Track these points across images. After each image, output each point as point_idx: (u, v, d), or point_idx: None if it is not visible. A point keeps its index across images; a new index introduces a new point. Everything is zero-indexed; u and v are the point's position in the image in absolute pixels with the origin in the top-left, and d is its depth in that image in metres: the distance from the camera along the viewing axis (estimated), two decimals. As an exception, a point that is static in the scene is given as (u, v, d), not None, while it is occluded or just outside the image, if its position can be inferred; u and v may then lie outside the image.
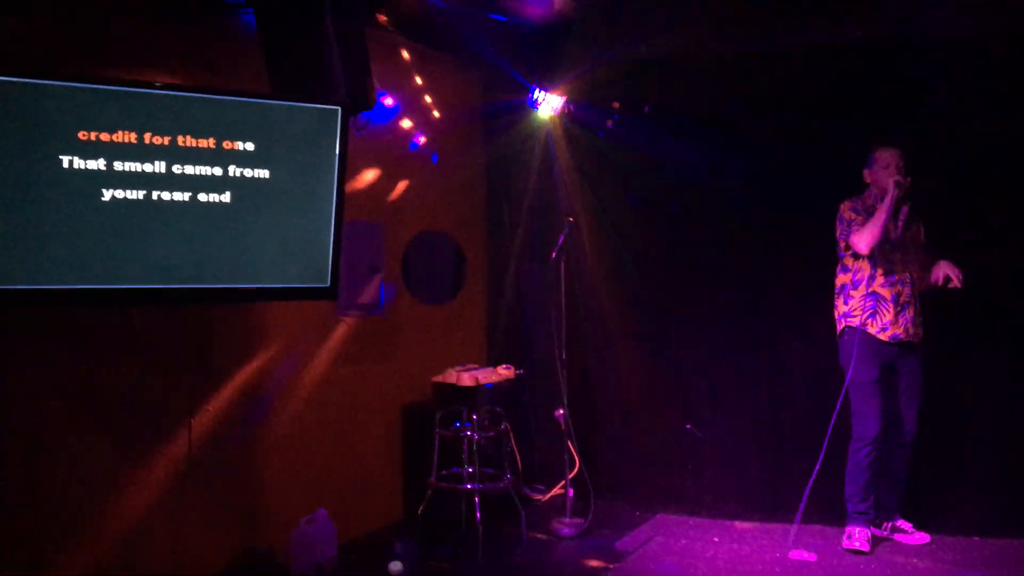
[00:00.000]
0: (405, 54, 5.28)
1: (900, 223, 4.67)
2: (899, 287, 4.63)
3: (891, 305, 4.62)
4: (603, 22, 5.16)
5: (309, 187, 3.87)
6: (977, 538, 4.72)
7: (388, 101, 5.01)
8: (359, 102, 4.08)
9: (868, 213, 4.64)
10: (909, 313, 4.64)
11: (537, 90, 5.58)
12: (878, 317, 4.63)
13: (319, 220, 3.91)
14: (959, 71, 4.79)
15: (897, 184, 4.55)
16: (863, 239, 4.60)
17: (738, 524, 5.15)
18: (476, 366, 5.19)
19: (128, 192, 3.45)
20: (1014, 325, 4.93)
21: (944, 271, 4.60)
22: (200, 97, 3.60)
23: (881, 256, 4.64)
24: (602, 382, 5.88)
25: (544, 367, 5.70)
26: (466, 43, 5.30)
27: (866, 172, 4.77)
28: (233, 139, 3.66)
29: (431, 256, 5.70)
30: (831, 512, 4.84)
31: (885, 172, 4.66)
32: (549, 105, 5.67)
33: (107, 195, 3.42)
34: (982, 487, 4.94)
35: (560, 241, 5.23)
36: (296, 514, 4.43)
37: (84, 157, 3.36)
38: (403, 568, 4.23)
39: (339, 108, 3.88)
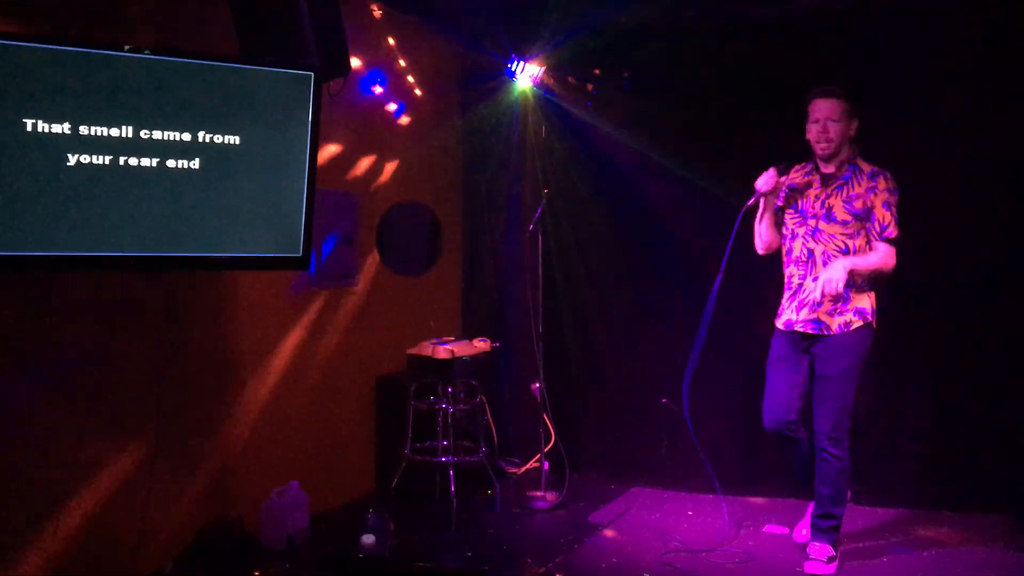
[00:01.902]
0: (381, 20, 5.19)
1: (815, 197, 4.09)
2: (794, 268, 4.14)
3: (786, 288, 4.20)
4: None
5: (281, 155, 3.80)
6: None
7: (363, 67, 4.92)
8: (333, 68, 4.00)
9: (806, 186, 4.13)
10: (801, 297, 4.09)
11: (515, 60, 5.52)
12: (781, 303, 4.22)
13: (291, 188, 3.84)
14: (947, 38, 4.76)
15: (761, 195, 4.07)
16: (756, 240, 4.28)
17: (712, 498, 5.15)
18: (451, 338, 5.15)
19: (94, 157, 3.37)
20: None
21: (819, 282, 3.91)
22: (169, 60, 3.51)
23: (787, 229, 4.21)
24: (578, 356, 5.86)
25: (520, 340, 5.67)
26: (444, 10, 5.23)
27: (806, 127, 4.11)
28: (202, 104, 3.58)
29: (407, 227, 5.65)
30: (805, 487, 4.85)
31: (808, 132, 4.07)
32: (527, 75, 5.61)
33: (72, 160, 3.33)
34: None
35: (537, 213, 5.20)
36: (268, 485, 4.40)
37: (48, 121, 3.26)
38: (375, 540, 4.21)
39: (311, 74, 3.80)
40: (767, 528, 4.60)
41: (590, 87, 5.70)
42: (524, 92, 5.80)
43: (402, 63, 5.33)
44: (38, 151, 3.26)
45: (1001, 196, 4.80)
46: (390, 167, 5.44)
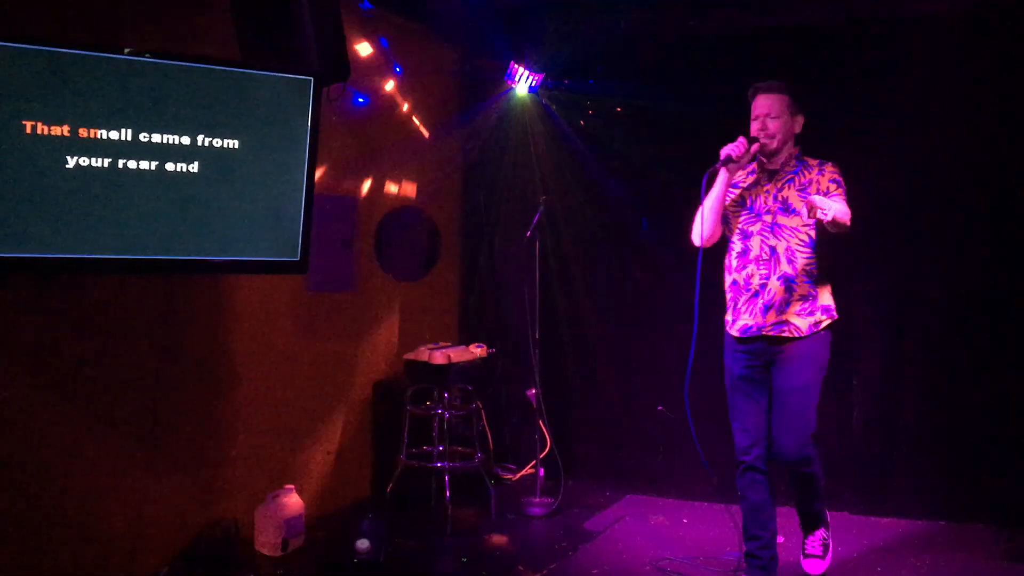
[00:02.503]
0: (383, 26, 5.20)
1: (767, 192, 3.83)
2: (754, 267, 3.82)
3: (740, 292, 3.87)
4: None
5: (280, 159, 3.80)
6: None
7: (362, 73, 4.93)
8: (333, 72, 4.00)
9: (750, 184, 3.89)
10: (766, 298, 3.78)
11: (515, 65, 5.53)
12: (733, 308, 3.90)
13: (290, 193, 3.84)
14: (944, 49, 4.79)
15: (726, 162, 3.73)
16: (693, 230, 3.86)
17: (707, 506, 5.16)
18: (448, 344, 5.15)
19: (93, 160, 3.37)
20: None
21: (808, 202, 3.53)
22: (169, 64, 3.51)
23: (737, 230, 3.91)
24: (574, 362, 5.86)
25: (517, 346, 5.68)
26: (444, 16, 5.24)
27: (751, 124, 3.88)
28: (202, 108, 3.58)
29: (405, 232, 5.64)
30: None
31: (751, 129, 3.82)
32: (526, 82, 5.62)
33: (71, 162, 3.33)
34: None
35: (535, 220, 5.20)
36: (263, 489, 4.40)
37: (48, 123, 3.27)
38: (370, 545, 4.20)
39: (311, 78, 3.80)
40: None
41: (587, 113, 5.70)
42: (523, 99, 5.81)
43: (402, 69, 5.33)
44: (37, 153, 3.26)
45: (1002, 201, 4.81)
46: (388, 172, 5.44)
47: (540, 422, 5.31)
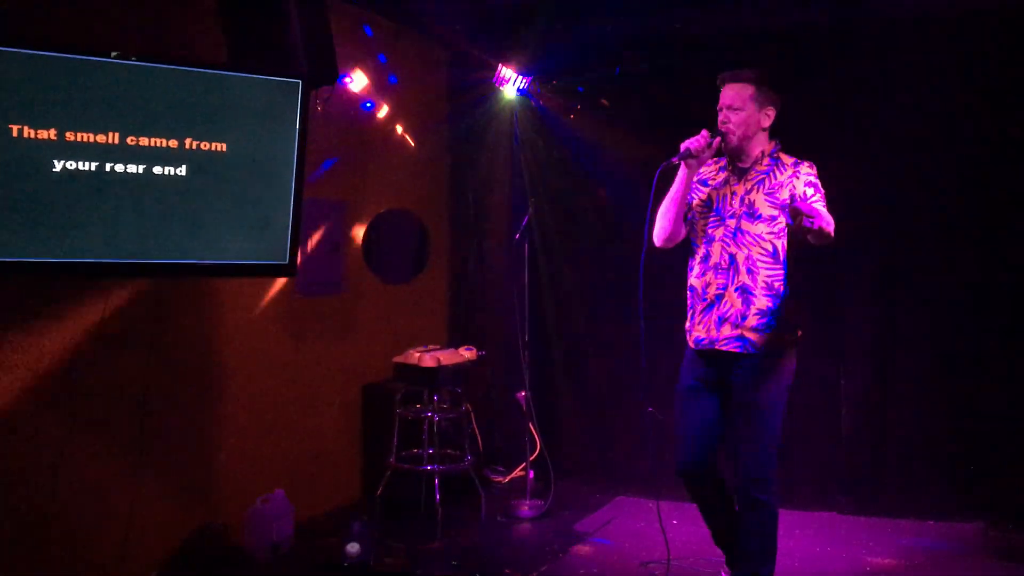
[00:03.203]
0: (370, 27, 5.20)
1: (733, 194, 3.56)
2: (712, 275, 3.57)
3: (697, 300, 3.62)
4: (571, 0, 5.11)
5: (268, 162, 3.80)
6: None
7: (350, 75, 4.92)
8: (321, 75, 4.01)
9: (719, 182, 3.63)
10: (722, 310, 3.53)
11: (504, 68, 5.53)
12: (690, 317, 3.67)
13: (278, 196, 3.84)
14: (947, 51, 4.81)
15: (685, 156, 3.45)
16: (654, 229, 3.64)
17: (697, 507, 5.16)
18: (438, 347, 5.15)
19: (80, 163, 3.36)
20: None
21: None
22: (156, 67, 3.51)
23: (699, 234, 3.64)
24: (564, 364, 5.86)
25: (506, 349, 5.68)
26: (433, 18, 5.24)
27: None
28: (190, 111, 3.57)
29: (394, 235, 5.64)
30: (789, 497, 4.87)
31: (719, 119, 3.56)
32: (514, 84, 5.62)
33: (58, 166, 3.32)
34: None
35: (524, 222, 5.20)
36: (253, 493, 4.38)
37: (34, 126, 3.26)
38: (360, 549, 4.19)
39: (299, 81, 3.80)
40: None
41: (576, 105, 5.70)
42: (511, 101, 5.82)
43: (390, 71, 5.33)
44: (23, 157, 3.25)
45: (993, 203, 4.83)
46: (377, 175, 5.43)
47: (530, 424, 5.32)
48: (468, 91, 5.89)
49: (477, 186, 6.05)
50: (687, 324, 3.70)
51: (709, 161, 3.64)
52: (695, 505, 3.81)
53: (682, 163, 3.51)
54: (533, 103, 5.82)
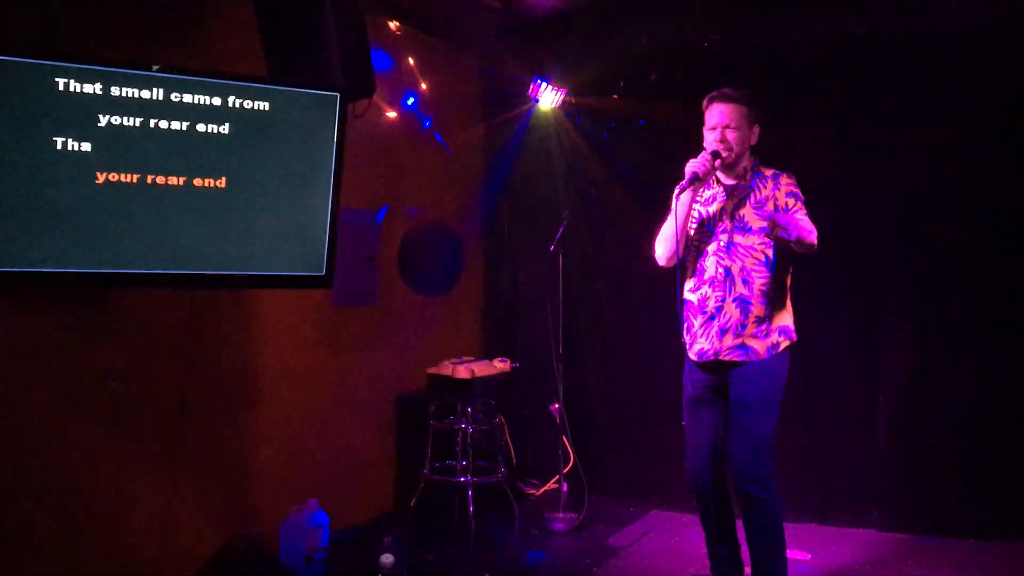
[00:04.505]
0: (405, 41, 5.24)
1: (723, 209, 3.69)
2: (709, 289, 3.68)
3: (696, 313, 3.73)
4: (605, 12, 5.12)
5: (306, 174, 3.83)
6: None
7: (387, 88, 4.96)
8: (358, 88, 4.03)
9: (707, 199, 3.74)
10: (722, 321, 3.64)
11: (538, 81, 5.54)
12: (688, 329, 3.77)
13: (316, 207, 3.87)
14: (965, 63, 4.76)
15: (693, 180, 3.56)
16: (657, 249, 3.77)
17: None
18: (472, 358, 5.15)
19: (122, 175, 3.41)
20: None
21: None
22: (198, 80, 3.55)
23: (692, 250, 3.76)
24: (599, 377, 5.84)
25: (540, 361, 5.66)
26: (468, 32, 5.27)
27: (704, 134, 3.75)
28: (229, 123, 3.61)
29: (429, 246, 5.66)
30: (822, 511, 4.82)
31: (705, 139, 3.70)
32: (550, 96, 5.63)
33: (100, 178, 3.37)
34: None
35: (558, 234, 5.20)
36: (287, 503, 4.40)
37: (77, 139, 3.31)
38: (394, 560, 4.20)
39: (337, 94, 3.83)
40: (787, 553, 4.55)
41: (609, 125, 5.70)
42: (546, 113, 5.82)
43: (426, 84, 5.36)
44: (67, 169, 3.30)
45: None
46: (412, 187, 5.46)
47: (563, 437, 5.30)
48: (503, 103, 5.91)
49: (511, 198, 6.06)
50: (685, 337, 3.79)
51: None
52: (704, 519, 3.86)
53: (690, 187, 3.61)
54: (568, 115, 5.82)
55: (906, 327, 4.98)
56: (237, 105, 3.63)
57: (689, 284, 3.77)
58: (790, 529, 4.61)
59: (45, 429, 3.54)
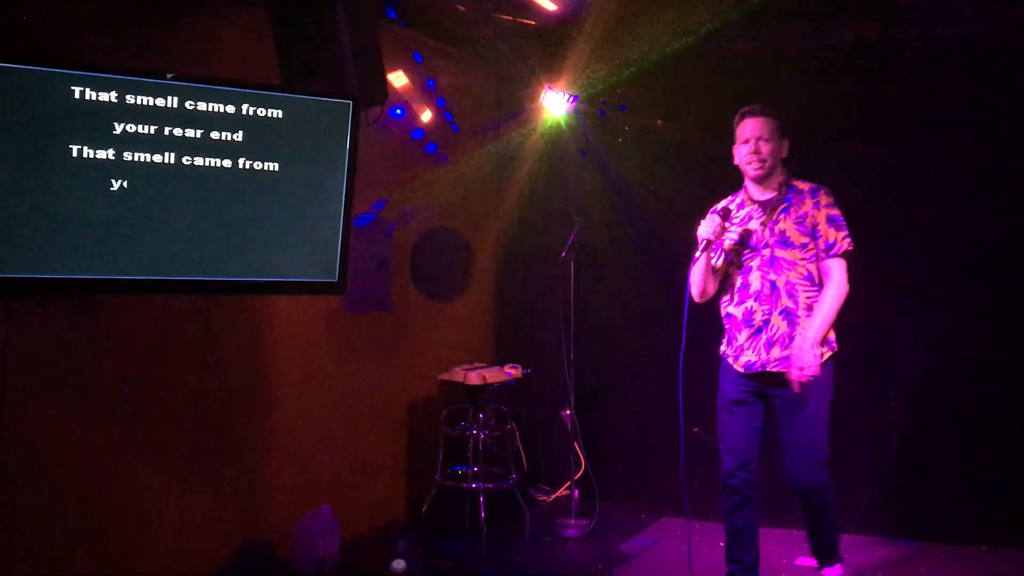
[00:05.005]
0: (417, 49, 5.25)
1: (763, 224, 3.73)
2: (755, 303, 3.74)
3: (741, 327, 3.80)
4: (615, 20, 5.12)
5: (319, 181, 3.85)
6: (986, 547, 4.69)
7: (399, 95, 4.97)
8: (371, 96, 4.05)
9: (743, 218, 3.79)
10: (770, 334, 3.70)
11: (550, 87, 5.55)
12: (731, 342, 3.86)
13: (328, 214, 3.88)
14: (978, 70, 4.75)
15: (707, 247, 3.64)
16: (691, 288, 3.80)
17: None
18: (483, 364, 5.16)
19: (138, 182, 3.43)
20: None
21: (793, 374, 3.60)
22: (212, 88, 3.57)
23: (735, 266, 3.82)
24: (610, 383, 5.84)
25: (551, 367, 5.66)
26: (479, 40, 5.28)
27: (733, 150, 3.84)
28: (244, 131, 3.63)
29: (440, 252, 5.67)
30: (840, 519, 4.80)
31: (737, 154, 3.79)
32: (561, 103, 5.64)
33: (116, 185, 3.39)
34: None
35: (570, 240, 5.20)
36: (299, 509, 4.42)
37: (94, 147, 3.33)
38: (406, 566, 4.21)
39: (350, 102, 3.85)
40: (799, 561, 4.55)
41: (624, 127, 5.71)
42: (557, 120, 5.83)
43: (437, 91, 5.38)
44: (83, 176, 3.32)
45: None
46: (424, 193, 5.47)
47: (575, 443, 5.30)
48: (514, 110, 5.92)
49: (523, 205, 6.07)
50: (726, 348, 3.89)
51: (725, 202, 3.88)
52: (731, 521, 3.87)
53: (708, 240, 3.68)
54: (579, 122, 5.83)
55: (916, 332, 4.97)
56: (251, 113, 3.65)
57: (732, 298, 3.83)
58: (798, 536, 4.64)
59: (60, 435, 3.56)
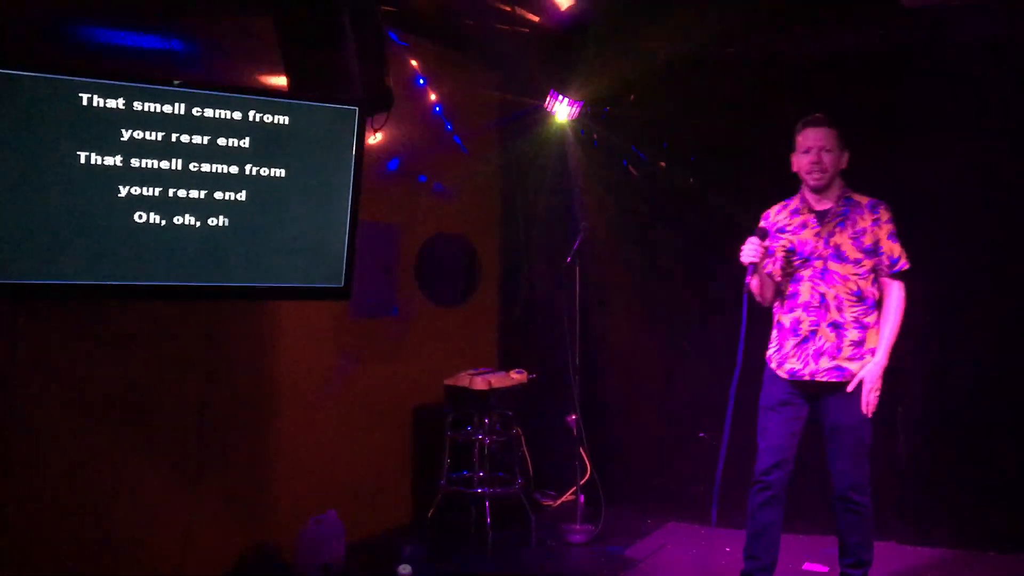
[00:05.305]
0: (425, 55, 5.26)
1: (817, 235, 3.80)
2: (800, 312, 3.81)
3: (788, 335, 3.85)
4: (620, 26, 5.13)
5: (325, 187, 3.85)
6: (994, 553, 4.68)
7: (405, 101, 4.97)
8: (377, 102, 4.06)
9: (796, 226, 3.85)
10: (818, 344, 3.77)
11: (554, 93, 5.56)
12: (779, 350, 3.90)
13: (334, 220, 3.89)
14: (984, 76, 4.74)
15: (754, 271, 3.68)
16: (756, 297, 3.88)
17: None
18: (489, 369, 5.17)
19: (145, 189, 3.45)
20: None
21: (865, 394, 3.74)
22: (218, 95, 3.59)
23: (785, 275, 3.88)
24: (615, 388, 5.84)
25: (557, 372, 5.66)
26: (484, 45, 5.29)
27: (793, 158, 3.89)
28: (250, 137, 3.65)
29: (445, 258, 5.69)
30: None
31: (797, 163, 3.84)
32: (566, 109, 5.65)
33: (123, 191, 3.41)
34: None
35: (575, 246, 5.20)
36: (305, 514, 4.42)
37: (101, 153, 3.34)
38: (411, 571, 4.21)
39: (356, 108, 3.86)
40: (806, 566, 4.54)
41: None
42: (562, 126, 5.83)
43: (443, 97, 5.39)
44: (90, 182, 3.33)
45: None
46: (428, 199, 5.48)
47: (580, 448, 5.30)
48: (519, 116, 5.92)
49: (527, 210, 6.07)
50: (773, 353, 3.92)
51: (777, 208, 3.95)
52: (757, 518, 3.90)
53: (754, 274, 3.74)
54: (584, 128, 5.84)
55: (926, 340, 4.96)
56: (257, 119, 3.66)
57: (782, 306, 3.90)
58: (808, 541, 4.64)
59: (65, 441, 3.57)
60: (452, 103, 5.48)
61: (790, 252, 3.82)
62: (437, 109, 5.32)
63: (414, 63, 5.15)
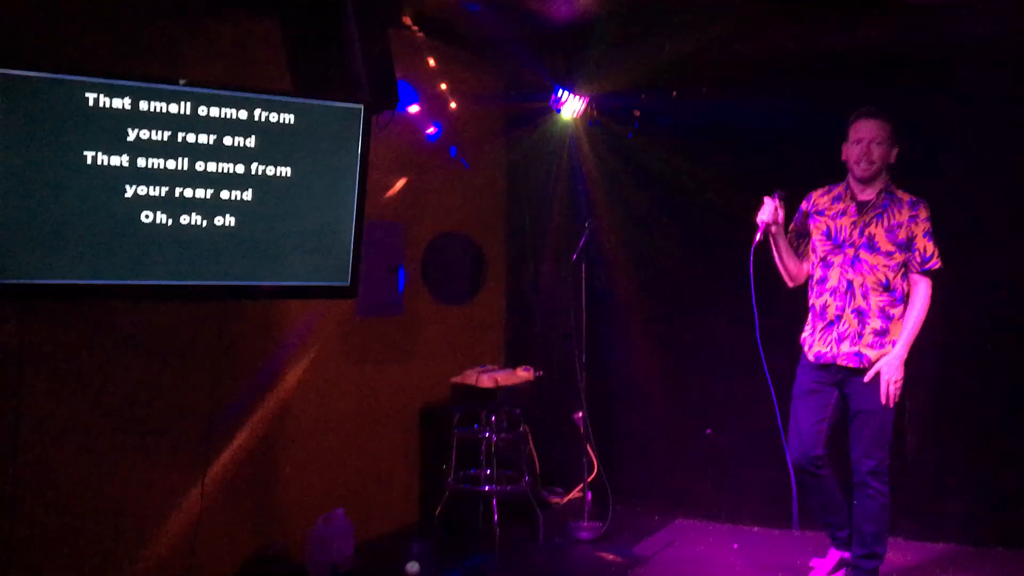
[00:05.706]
0: (428, 53, 5.26)
1: (853, 224, 3.94)
2: (828, 297, 3.98)
3: (817, 319, 4.03)
4: (627, 22, 5.12)
5: (330, 186, 3.86)
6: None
7: (410, 99, 4.98)
8: (382, 101, 4.07)
9: (835, 212, 3.99)
10: (841, 329, 3.93)
11: (560, 90, 5.55)
12: (811, 332, 4.07)
13: (340, 219, 3.90)
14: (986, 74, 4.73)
15: (767, 231, 3.89)
16: (781, 271, 4.14)
17: (757, 530, 5.11)
18: (495, 367, 5.17)
19: (151, 189, 3.45)
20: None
21: (883, 385, 3.87)
22: (224, 94, 3.59)
23: (817, 259, 4.06)
24: (622, 386, 5.83)
25: (563, 369, 5.66)
26: (489, 43, 5.29)
27: (844, 148, 4.02)
28: (256, 136, 3.65)
29: (451, 256, 5.68)
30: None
31: (847, 152, 3.97)
32: (572, 106, 5.64)
33: (129, 191, 3.41)
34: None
35: (581, 243, 5.20)
36: (313, 513, 4.43)
37: (107, 153, 3.35)
38: (420, 569, 4.22)
39: (362, 107, 3.86)
40: (813, 562, 4.53)
41: (633, 124, 5.69)
42: (568, 122, 5.82)
43: (448, 95, 5.38)
44: (97, 182, 3.34)
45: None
46: (435, 197, 5.48)
47: (587, 445, 5.29)
48: (524, 113, 5.92)
49: (533, 207, 6.07)
50: (807, 336, 4.09)
51: (821, 191, 4.08)
52: (808, 500, 4.12)
53: (769, 235, 3.93)
54: (590, 123, 5.83)
55: (933, 335, 4.94)
56: (263, 118, 3.66)
57: (813, 290, 4.06)
58: (814, 538, 4.63)
59: (73, 441, 3.58)
60: (458, 100, 5.46)
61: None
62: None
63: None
